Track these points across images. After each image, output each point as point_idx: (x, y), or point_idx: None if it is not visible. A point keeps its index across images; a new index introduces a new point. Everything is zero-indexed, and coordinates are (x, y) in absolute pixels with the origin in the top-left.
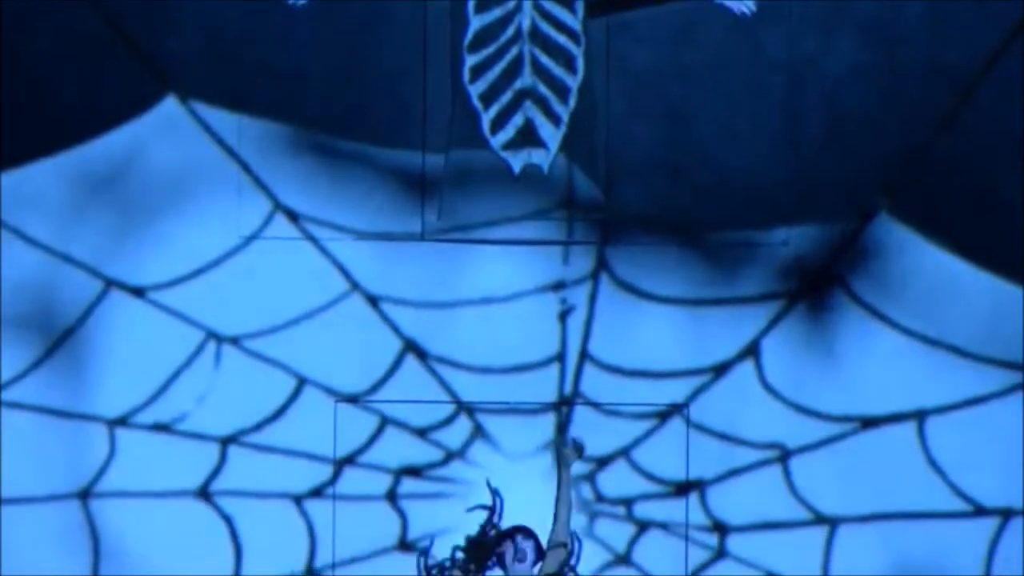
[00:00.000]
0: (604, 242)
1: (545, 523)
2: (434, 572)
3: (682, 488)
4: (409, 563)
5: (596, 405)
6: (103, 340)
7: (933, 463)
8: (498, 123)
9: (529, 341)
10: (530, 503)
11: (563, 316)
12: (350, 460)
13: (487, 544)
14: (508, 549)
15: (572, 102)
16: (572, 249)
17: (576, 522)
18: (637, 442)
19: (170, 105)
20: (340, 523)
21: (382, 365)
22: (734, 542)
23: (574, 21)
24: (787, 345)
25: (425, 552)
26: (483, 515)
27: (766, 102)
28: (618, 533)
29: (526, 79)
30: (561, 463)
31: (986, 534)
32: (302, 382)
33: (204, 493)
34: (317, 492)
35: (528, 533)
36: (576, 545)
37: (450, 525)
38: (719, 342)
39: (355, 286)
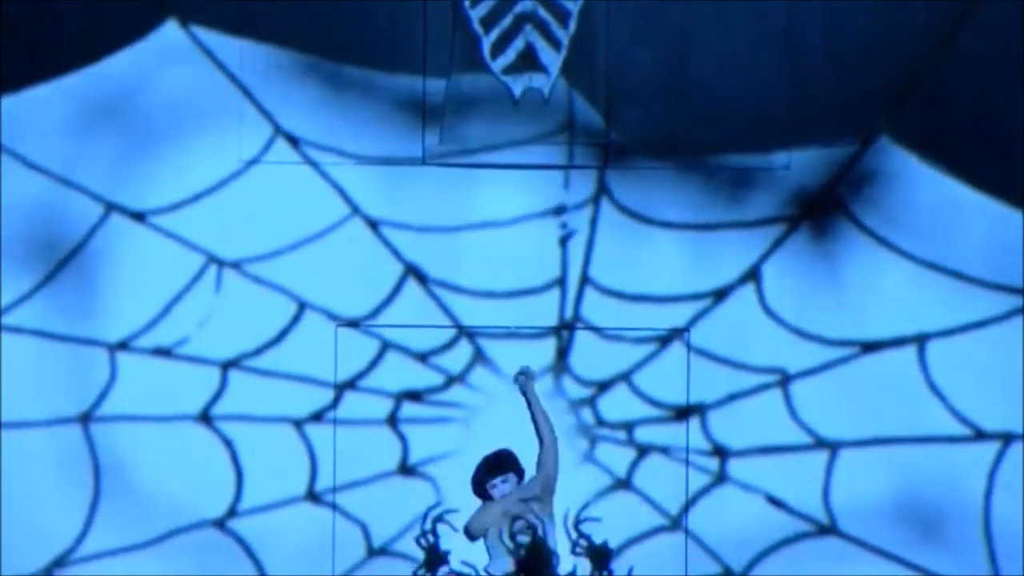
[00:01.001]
0: (605, 166)
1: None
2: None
3: (683, 412)
4: (410, 486)
5: (597, 329)
6: (104, 265)
7: (934, 387)
8: (499, 47)
9: (530, 265)
10: (530, 426)
11: (564, 240)
12: (351, 384)
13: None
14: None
15: (573, 26)
16: (573, 173)
17: (577, 446)
18: (638, 366)
19: (171, 30)
20: (341, 447)
21: (383, 289)
22: (735, 466)
23: None
24: (788, 269)
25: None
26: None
27: (767, 26)
28: (619, 457)
29: (527, 3)
30: (525, 391)
31: (986, 458)
32: (303, 306)
33: (205, 417)
34: (318, 416)
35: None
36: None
37: (451, 449)
38: (720, 266)
39: (356, 210)
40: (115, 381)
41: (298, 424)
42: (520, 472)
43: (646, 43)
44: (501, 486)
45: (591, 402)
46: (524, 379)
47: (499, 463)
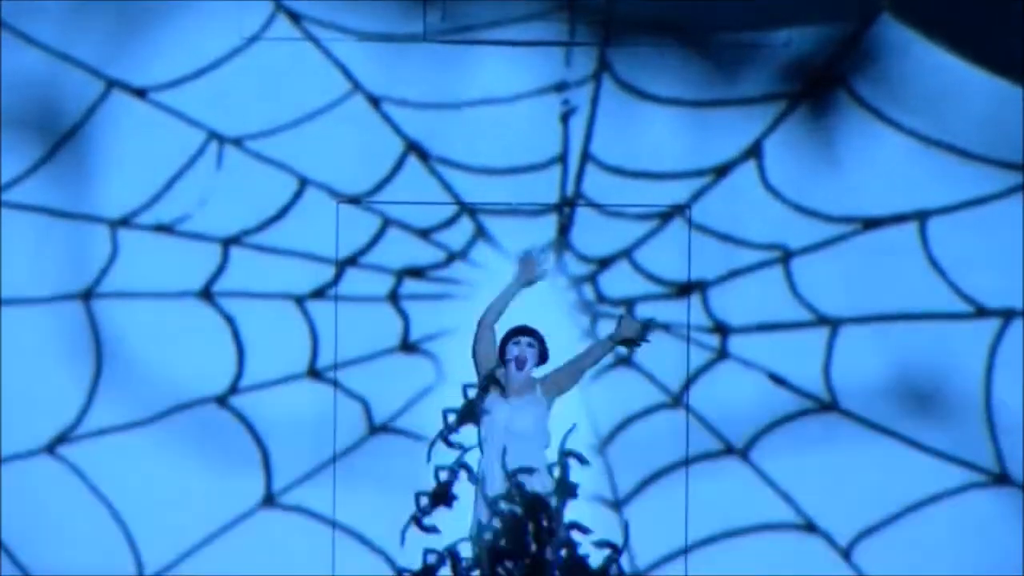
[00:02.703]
0: (606, 43)
1: (544, 321)
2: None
3: (683, 289)
4: (411, 363)
5: (598, 206)
6: (105, 141)
7: (935, 264)
8: None
9: (531, 142)
10: (531, 303)
11: (565, 117)
12: (352, 261)
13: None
14: (510, 357)
15: None
16: (574, 50)
17: (578, 323)
18: (639, 243)
19: None
20: (342, 324)
21: (384, 166)
22: (735, 343)
23: None
24: (789, 146)
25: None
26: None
27: None
28: None
29: None
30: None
31: (987, 335)
32: (304, 183)
33: (206, 294)
34: (319, 293)
35: (532, 335)
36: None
37: (452, 326)
38: (721, 143)
39: (357, 87)
40: (116, 258)
41: (299, 301)
42: (544, 351)
43: None
44: (527, 348)
45: (592, 279)
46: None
47: (524, 328)
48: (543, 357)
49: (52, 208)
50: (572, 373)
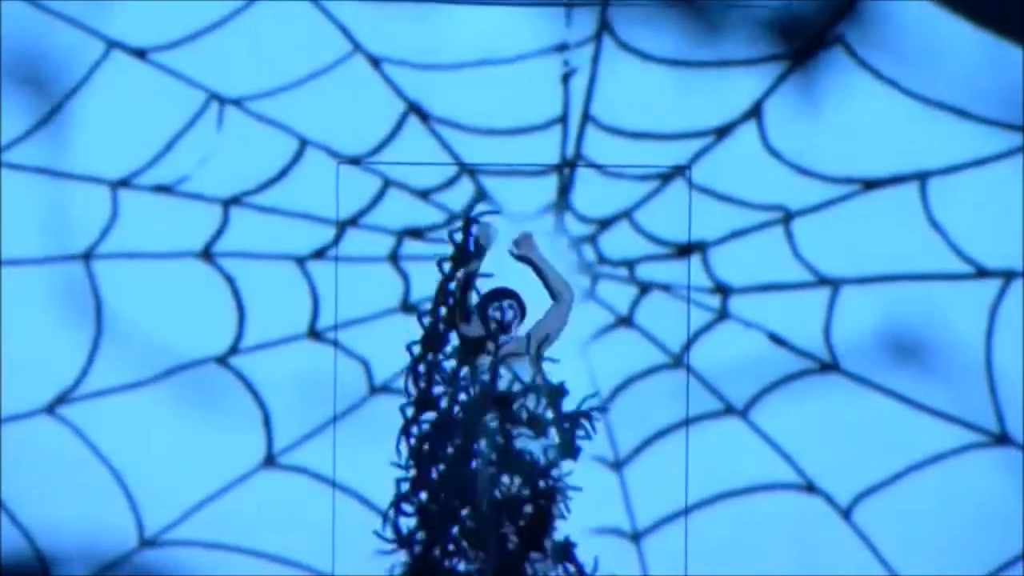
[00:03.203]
0: (606, 2)
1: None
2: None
3: (684, 250)
4: (411, 324)
5: (599, 167)
6: (105, 102)
7: (935, 225)
8: None
9: (532, 103)
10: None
11: (566, 78)
12: (352, 222)
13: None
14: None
15: None
16: (574, 10)
17: (578, 284)
18: (639, 204)
19: None
20: (342, 284)
21: (384, 127)
22: (736, 304)
23: None
24: (790, 107)
25: None
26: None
27: None
28: (620, 295)
29: None
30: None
31: (987, 296)
32: (304, 144)
33: (206, 255)
34: (319, 254)
35: (508, 291)
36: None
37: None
38: (722, 103)
39: (357, 47)
40: (116, 219)
41: (300, 261)
42: (523, 309)
43: None
44: (507, 311)
45: (593, 240)
46: (484, 232)
47: (504, 291)
48: (523, 315)
49: (52, 169)
50: (557, 316)
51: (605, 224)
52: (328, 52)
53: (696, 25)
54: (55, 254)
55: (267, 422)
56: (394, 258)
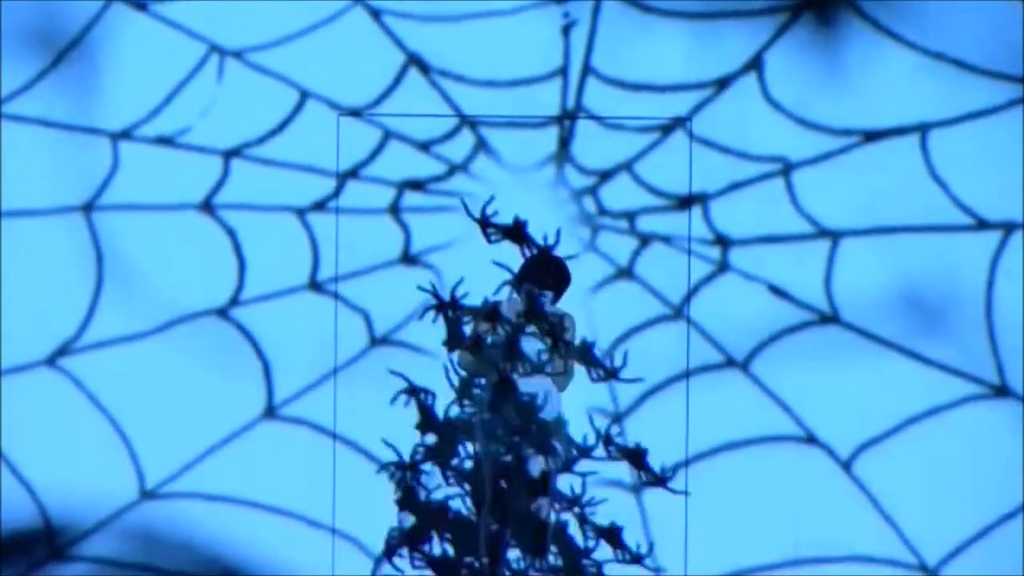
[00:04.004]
0: None
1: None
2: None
3: (684, 202)
4: (412, 275)
5: (599, 119)
6: (107, 54)
7: (935, 177)
8: None
9: (532, 55)
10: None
11: (566, 30)
12: (353, 173)
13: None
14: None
15: None
16: None
17: (579, 235)
18: (640, 155)
19: None
20: (343, 236)
21: (385, 79)
22: (736, 255)
23: None
24: (791, 59)
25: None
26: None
27: None
28: (621, 247)
29: None
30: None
31: (988, 248)
32: (305, 95)
33: (207, 206)
34: (320, 205)
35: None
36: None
37: (452, 238)
38: (723, 55)
39: None
40: (117, 170)
41: (300, 213)
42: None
43: None
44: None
45: (593, 191)
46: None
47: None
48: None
49: (53, 120)
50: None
51: (606, 176)
52: (329, 4)
53: None
54: (56, 205)
55: (267, 374)
56: (394, 210)
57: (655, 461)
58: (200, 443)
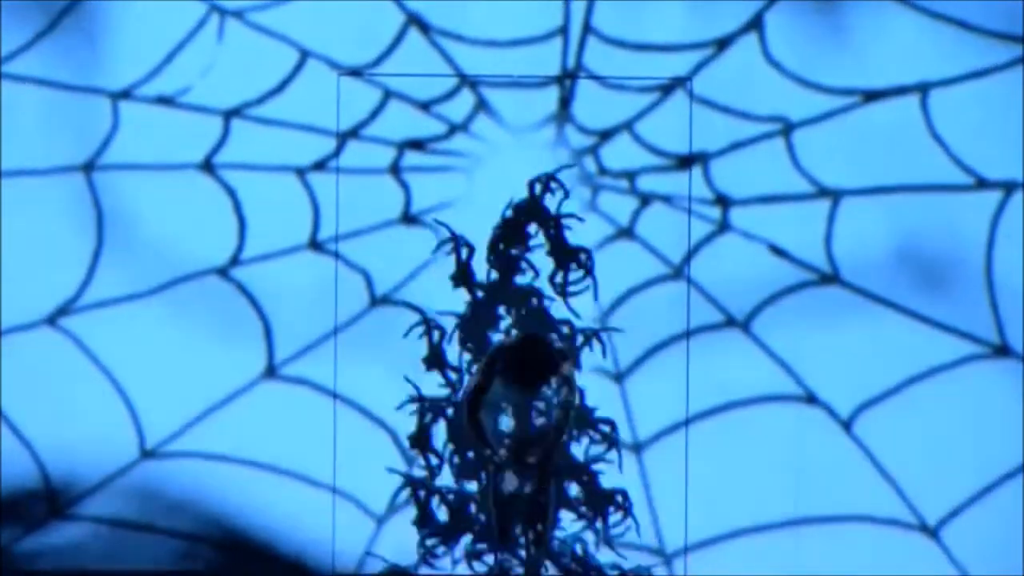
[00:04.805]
0: None
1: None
2: None
3: (684, 161)
4: (412, 235)
5: (599, 78)
6: (106, 13)
7: (936, 136)
8: None
9: (533, 14)
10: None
11: None
12: (353, 133)
13: None
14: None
15: None
16: None
17: (579, 196)
18: (640, 115)
19: None
20: (343, 196)
21: (385, 38)
22: (737, 215)
23: None
24: (791, 18)
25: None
26: None
27: None
28: (620, 206)
29: None
30: None
31: (988, 207)
32: (305, 55)
33: (207, 166)
34: (320, 165)
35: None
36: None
37: (453, 198)
38: (723, 15)
39: None
40: (117, 130)
41: (300, 172)
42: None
43: None
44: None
45: (593, 151)
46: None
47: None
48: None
49: (53, 80)
50: None
51: (606, 135)
52: None
53: None
54: (56, 165)
55: (268, 333)
56: (395, 169)
57: (656, 423)
58: (200, 402)
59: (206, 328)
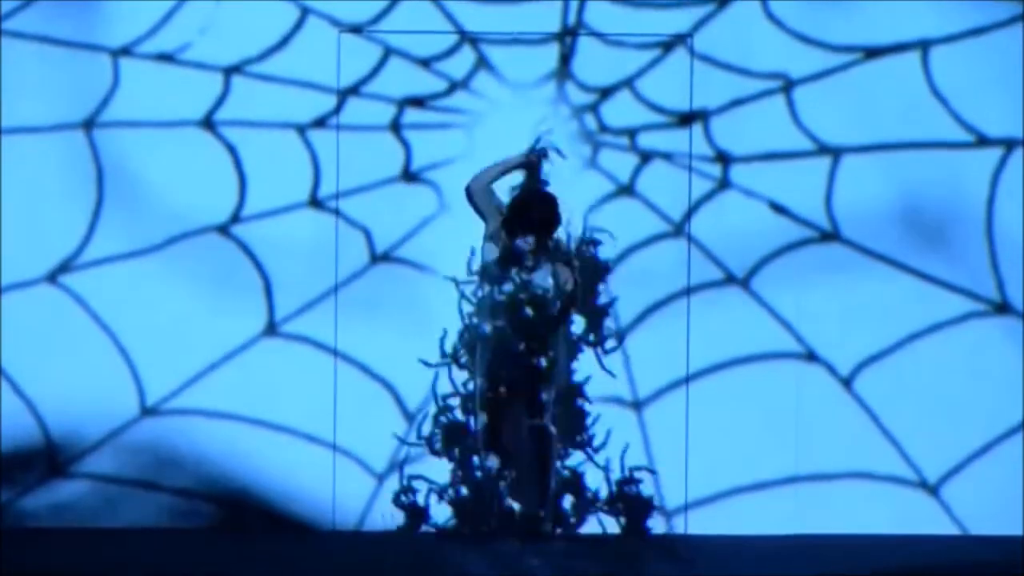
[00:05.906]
0: None
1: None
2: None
3: (686, 118)
4: (412, 192)
5: (600, 35)
6: None
7: (936, 93)
8: None
9: None
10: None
11: None
12: (354, 90)
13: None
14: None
15: None
16: None
17: (581, 153)
18: (641, 72)
19: None
20: (343, 153)
21: None
22: (737, 172)
23: None
24: None
25: None
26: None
27: None
28: (622, 164)
29: None
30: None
31: (989, 164)
32: (305, 12)
33: (208, 123)
34: (320, 122)
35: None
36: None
37: (453, 155)
38: None
39: None
40: (118, 87)
41: (301, 130)
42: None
43: None
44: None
45: (594, 108)
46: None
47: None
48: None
49: (54, 37)
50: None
51: (607, 93)
52: None
53: None
54: (57, 122)
55: (268, 291)
56: (395, 127)
57: (657, 380)
58: (201, 360)
59: (207, 285)
